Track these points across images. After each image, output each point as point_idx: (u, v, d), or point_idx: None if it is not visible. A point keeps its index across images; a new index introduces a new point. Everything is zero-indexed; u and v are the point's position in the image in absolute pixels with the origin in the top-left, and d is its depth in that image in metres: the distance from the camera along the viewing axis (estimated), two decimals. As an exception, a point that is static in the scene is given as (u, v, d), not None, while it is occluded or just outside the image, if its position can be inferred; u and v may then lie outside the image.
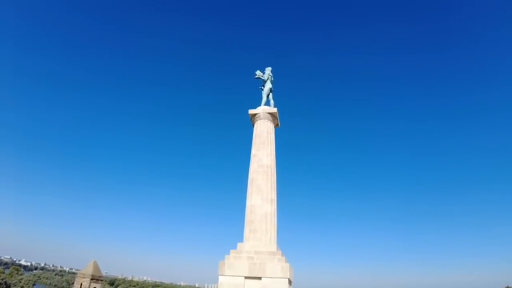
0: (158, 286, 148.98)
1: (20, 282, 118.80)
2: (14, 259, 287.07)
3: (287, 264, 15.21)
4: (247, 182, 18.29)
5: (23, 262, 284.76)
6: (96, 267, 26.67)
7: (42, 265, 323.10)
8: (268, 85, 21.00)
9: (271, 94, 21.04)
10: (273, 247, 16.21)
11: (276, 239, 16.89)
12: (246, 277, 15.12)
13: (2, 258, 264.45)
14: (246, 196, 17.98)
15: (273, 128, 20.13)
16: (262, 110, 20.00)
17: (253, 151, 18.95)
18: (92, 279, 26.13)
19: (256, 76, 21.37)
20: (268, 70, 21.49)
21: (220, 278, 15.34)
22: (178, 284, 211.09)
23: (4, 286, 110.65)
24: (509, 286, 43.40)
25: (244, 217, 17.56)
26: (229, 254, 16.22)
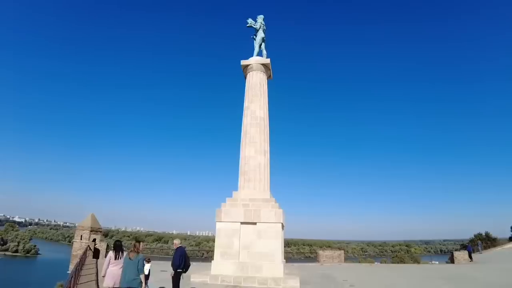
0: (150, 235, 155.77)
1: (16, 238, 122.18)
2: (8, 216, 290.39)
3: (280, 210, 16.10)
4: (241, 134, 18.53)
5: (17, 219, 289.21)
6: (94, 219, 27.54)
7: (36, 220, 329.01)
8: (261, 34, 20.30)
9: (263, 44, 20.43)
10: (267, 194, 17.02)
11: (269, 188, 17.67)
12: (242, 223, 16.03)
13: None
14: (240, 148, 18.32)
15: (266, 80, 19.93)
16: (254, 61, 19.59)
17: (246, 103, 18.93)
18: (91, 231, 27.09)
19: (247, 25, 20.55)
20: (260, 19, 20.60)
21: (217, 225, 16.22)
22: (171, 232, 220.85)
23: (1, 242, 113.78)
24: (480, 232, 46.88)
25: (238, 168, 18.08)
26: (225, 202, 16.97)
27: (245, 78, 19.97)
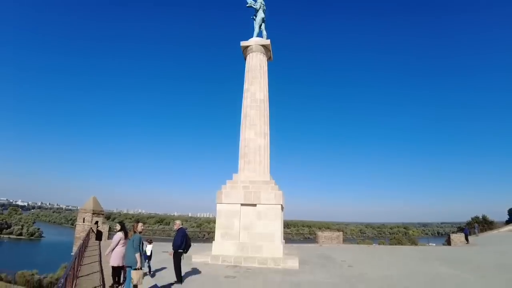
0: (152, 217, 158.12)
1: (20, 221, 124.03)
2: (11, 201, 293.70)
3: (280, 192, 16.23)
4: (241, 117, 18.45)
5: (19, 203, 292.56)
6: (96, 202, 27.82)
7: (39, 204, 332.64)
8: (261, 15, 19.86)
9: (263, 24, 20.03)
10: (267, 177, 17.12)
11: (269, 170, 17.75)
12: (242, 204, 16.19)
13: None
14: (240, 130, 18.29)
15: (266, 61, 19.66)
16: (254, 42, 19.27)
17: (246, 85, 18.75)
18: (93, 214, 27.41)
19: (247, 5, 20.09)
20: None
21: (218, 206, 16.40)
22: (172, 214, 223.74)
23: (5, 226, 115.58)
24: (477, 215, 47.36)
25: (238, 151, 18.11)
26: (225, 184, 17.09)
27: (245, 59, 19.70)
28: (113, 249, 9.15)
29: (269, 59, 20.16)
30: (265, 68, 19.40)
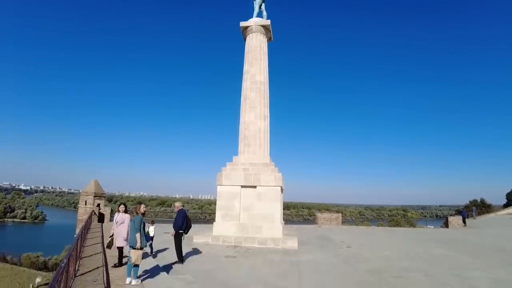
0: (154, 200, 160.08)
1: (23, 205, 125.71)
2: (14, 185, 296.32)
3: (279, 174, 16.30)
4: (241, 99, 18.31)
5: (22, 187, 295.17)
6: (97, 185, 28.00)
7: (42, 188, 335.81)
8: (261, -6, 19.40)
9: (263, 4, 19.56)
10: (267, 159, 17.15)
11: (269, 152, 17.76)
12: (242, 186, 16.31)
13: (1, 184, 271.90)
14: (240, 113, 18.19)
15: (266, 42, 19.31)
16: (254, 22, 18.86)
17: (246, 67, 18.49)
18: (95, 196, 27.63)
19: None
20: None
21: (219, 188, 16.52)
22: (174, 196, 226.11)
23: (9, 210, 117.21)
24: (476, 199, 47.67)
25: (238, 133, 18.07)
26: (226, 166, 17.15)
27: (245, 40, 19.35)
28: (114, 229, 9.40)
29: (269, 40, 19.80)
30: (265, 49, 19.08)
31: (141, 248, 7.95)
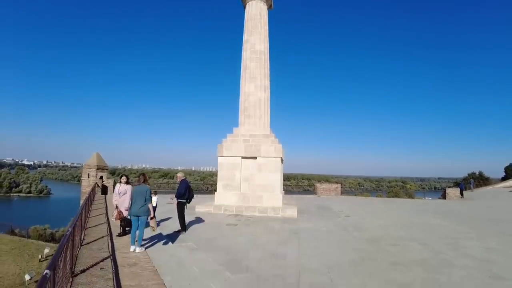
0: (156, 172, 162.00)
1: (28, 180, 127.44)
2: (17, 160, 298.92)
3: (280, 145, 16.33)
4: (241, 70, 17.96)
5: (25, 162, 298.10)
6: (99, 157, 28.20)
7: (45, 162, 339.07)
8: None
9: (263, -32, 18.67)
10: (267, 130, 17.12)
11: (269, 124, 17.69)
12: (242, 157, 16.40)
13: (5, 160, 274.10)
14: (240, 84, 17.91)
15: (267, 10, 18.63)
16: (254, -12, 18.10)
17: (245, 36, 17.96)
18: (97, 169, 27.92)
19: None
20: None
21: (219, 159, 16.62)
22: (176, 168, 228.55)
23: (14, 185, 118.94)
24: (474, 172, 47.99)
25: (238, 105, 17.90)
26: (226, 138, 17.15)
27: (244, 8, 18.66)
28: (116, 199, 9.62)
29: (269, 7, 19.08)
30: (266, 17, 18.44)
31: (154, 217, 8.46)
